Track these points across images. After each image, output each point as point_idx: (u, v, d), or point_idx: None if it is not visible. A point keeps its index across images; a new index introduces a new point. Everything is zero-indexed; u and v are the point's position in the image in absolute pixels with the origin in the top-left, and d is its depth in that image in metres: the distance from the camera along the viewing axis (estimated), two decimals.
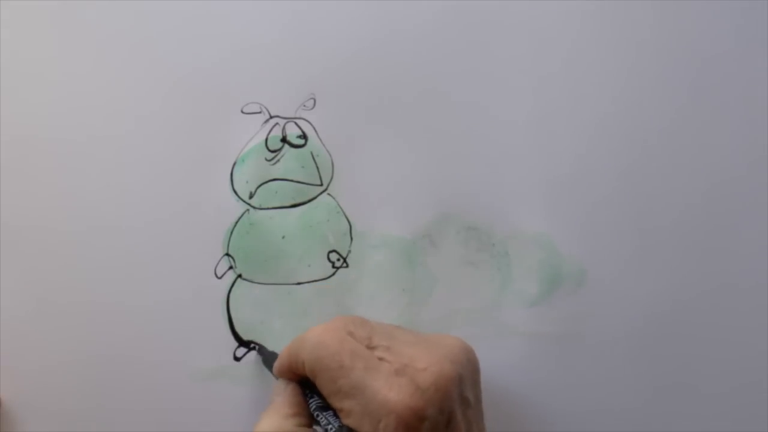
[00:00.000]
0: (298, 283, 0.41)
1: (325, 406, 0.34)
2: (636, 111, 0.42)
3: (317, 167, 0.41)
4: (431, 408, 0.31)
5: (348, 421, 0.32)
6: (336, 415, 0.33)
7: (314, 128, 0.41)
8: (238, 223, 0.41)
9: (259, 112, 0.41)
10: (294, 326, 0.41)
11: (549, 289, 0.41)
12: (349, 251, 0.41)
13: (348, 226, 0.41)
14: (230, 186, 0.41)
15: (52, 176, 0.41)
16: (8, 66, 0.41)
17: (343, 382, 0.32)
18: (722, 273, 0.42)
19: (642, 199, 0.42)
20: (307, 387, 0.35)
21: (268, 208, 0.41)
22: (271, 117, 0.41)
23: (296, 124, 0.41)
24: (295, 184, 0.41)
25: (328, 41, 0.41)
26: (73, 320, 0.40)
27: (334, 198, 0.41)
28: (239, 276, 0.41)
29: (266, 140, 0.41)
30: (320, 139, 0.41)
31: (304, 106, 0.41)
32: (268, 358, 0.39)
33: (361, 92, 0.41)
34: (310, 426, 0.34)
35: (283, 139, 0.41)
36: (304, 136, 0.41)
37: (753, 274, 0.41)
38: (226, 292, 0.41)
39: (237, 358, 0.40)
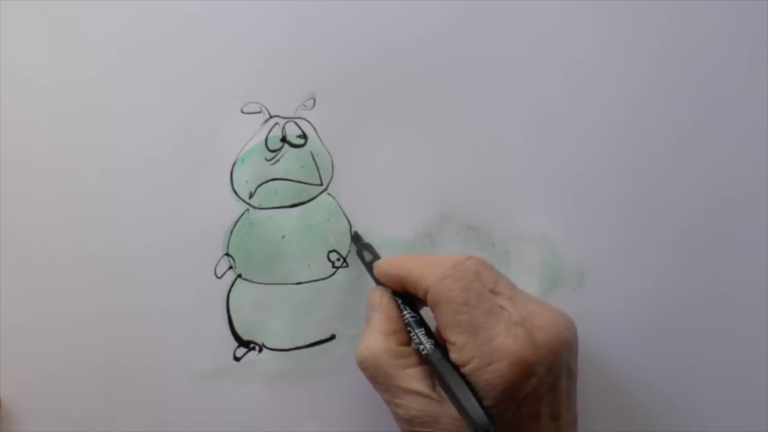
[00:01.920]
0: (298, 283, 0.41)
1: (419, 321, 0.35)
2: (636, 111, 0.42)
3: (317, 167, 0.41)
4: (541, 366, 0.32)
5: (456, 356, 0.33)
6: (428, 333, 0.34)
7: (314, 128, 0.41)
8: (238, 222, 0.41)
9: (259, 112, 0.41)
10: (294, 326, 0.41)
11: (549, 289, 0.41)
12: (349, 251, 0.41)
13: (348, 226, 0.41)
14: (230, 186, 0.41)
15: (52, 177, 0.41)
16: (7, 67, 0.41)
17: (463, 318, 0.33)
18: (722, 273, 0.42)
19: (642, 199, 0.42)
20: (401, 297, 0.36)
21: (268, 208, 0.41)
22: (271, 117, 0.41)
23: (296, 123, 0.41)
24: (295, 183, 0.41)
25: (328, 41, 0.41)
26: (73, 320, 0.40)
27: (334, 198, 0.41)
28: (239, 276, 0.41)
29: (266, 140, 0.41)
30: (320, 139, 0.41)
31: (304, 105, 0.41)
32: (363, 249, 0.40)
33: (361, 92, 0.41)
34: (408, 343, 0.35)
35: (283, 139, 0.41)
36: (304, 136, 0.41)
37: (753, 274, 0.41)
38: (226, 292, 0.41)
39: (237, 358, 0.40)
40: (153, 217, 0.41)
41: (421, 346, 0.34)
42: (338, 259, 0.41)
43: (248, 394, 0.40)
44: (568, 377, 0.34)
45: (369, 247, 0.40)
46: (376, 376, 0.35)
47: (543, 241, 0.42)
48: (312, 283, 0.41)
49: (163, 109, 0.41)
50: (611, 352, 0.41)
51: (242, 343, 0.41)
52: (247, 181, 0.41)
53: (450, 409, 0.33)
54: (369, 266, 0.39)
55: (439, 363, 0.33)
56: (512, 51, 0.42)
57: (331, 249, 0.41)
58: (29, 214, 0.41)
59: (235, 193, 0.41)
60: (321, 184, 0.41)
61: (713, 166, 0.42)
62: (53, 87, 0.41)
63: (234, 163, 0.41)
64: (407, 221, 0.41)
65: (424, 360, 0.34)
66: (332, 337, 0.41)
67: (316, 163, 0.41)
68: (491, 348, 0.32)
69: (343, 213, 0.41)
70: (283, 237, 0.41)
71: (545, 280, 0.41)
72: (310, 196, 0.41)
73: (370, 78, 0.41)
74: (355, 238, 0.41)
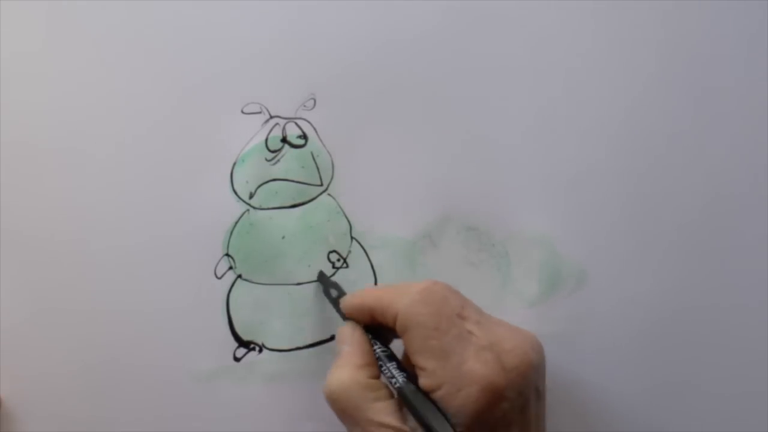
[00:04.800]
0: (298, 284, 0.41)
1: (390, 356, 0.35)
2: (636, 112, 0.42)
3: (317, 167, 0.41)
4: (511, 390, 0.32)
5: (426, 381, 0.33)
6: (400, 367, 0.34)
7: (314, 128, 0.41)
8: (238, 223, 0.41)
9: (259, 112, 0.41)
10: (294, 326, 0.41)
11: (549, 290, 0.41)
12: (349, 251, 0.41)
13: (348, 227, 0.41)
14: (230, 186, 0.41)
15: (52, 178, 0.40)
16: (7, 67, 0.41)
17: (434, 343, 0.33)
18: (722, 273, 0.42)
19: (642, 199, 0.42)
20: (371, 332, 0.36)
21: (268, 209, 0.41)
22: (272, 117, 0.41)
23: (296, 124, 0.41)
24: (296, 184, 0.41)
25: (328, 41, 0.41)
26: (73, 320, 0.40)
27: (334, 198, 0.41)
28: (239, 276, 0.41)
29: (266, 140, 0.41)
30: (320, 139, 0.41)
31: (305, 106, 0.41)
32: (330, 288, 0.39)
33: (361, 92, 0.41)
34: (378, 376, 0.35)
35: (284, 139, 0.41)
36: (304, 136, 0.41)
37: (753, 275, 0.42)
38: (226, 293, 0.41)
39: (237, 359, 0.41)
40: (153, 217, 0.41)
41: (393, 380, 0.34)
42: (338, 260, 0.41)
43: (248, 394, 0.40)
44: (537, 398, 0.34)
45: (336, 285, 0.40)
46: (345, 408, 0.34)
47: (543, 241, 0.42)
48: (312, 283, 0.41)
49: (163, 109, 0.41)
50: (611, 353, 0.41)
51: (242, 343, 0.41)
52: (247, 182, 0.41)
53: None
54: (335, 303, 0.39)
55: (412, 395, 0.33)
56: (512, 51, 0.42)
57: (331, 249, 0.41)
58: (29, 213, 0.41)
59: (236, 193, 0.41)
60: (321, 185, 0.41)
61: (713, 166, 0.42)
62: (53, 87, 0.41)
63: (234, 164, 0.41)
64: (407, 221, 0.41)
65: (395, 393, 0.34)
66: (332, 338, 0.41)
67: (316, 163, 0.41)
68: (461, 373, 0.32)
69: (344, 213, 0.41)
70: (283, 237, 0.41)
71: (545, 281, 0.41)
72: (311, 197, 0.41)
73: (370, 78, 0.41)
74: (321, 277, 0.41)
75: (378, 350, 0.35)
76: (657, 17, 0.42)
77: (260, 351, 0.41)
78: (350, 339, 0.36)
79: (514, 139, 0.42)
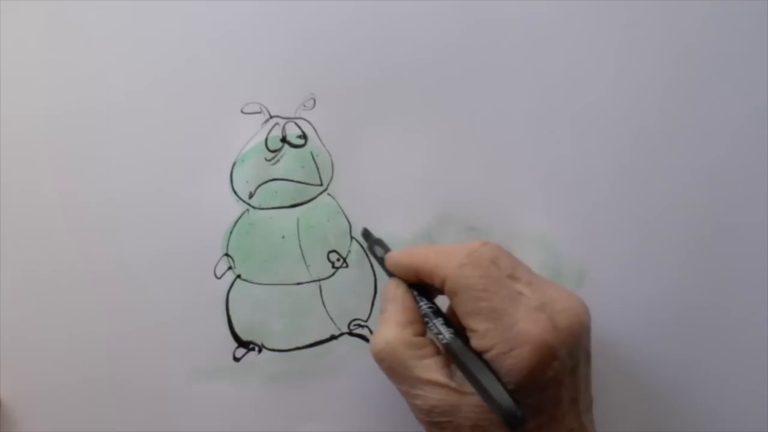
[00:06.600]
0: (298, 283, 0.41)
1: (437, 311, 0.35)
2: (636, 111, 0.42)
3: (317, 167, 0.41)
4: (563, 350, 0.32)
5: (478, 342, 0.32)
6: (447, 323, 0.34)
7: (314, 128, 0.41)
8: (238, 223, 0.41)
9: (259, 112, 0.41)
10: (293, 326, 0.41)
11: None
12: (349, 251, 0.41)
13: (348, 226, 0.41)
14: (230, 186, 0.41)
15: (52, 177, 0.41)
16: (7, 68, 0.41)
17: (484, 305, 0.32)
18: (722, 273, 0.41)
19: (642, 199, 0.42)
20: (416, 288, 0.36)
21: (267, 208, 0.41)
22: (271, 117, 0.41)
23: (296, 124, 0.41)
24: (295, 184, 0.41)
25: (328, 41, 0.41)
26: (72, 320, 0.40)
27: (334, 198, 0.41)
28: (238, 276, 0.41)
29: (266, 140, 0.41)
30: (320, 139, 0.41)
31: (304, 106, 0.41)
32: (374, 244, 0.39)
33: (361, 92, 0.41)
34: (424, 333, 0.35)
35: (283, 139, 0.41)
36: (304, 136, 0.41)
37: (753, 274, 0.41)
38: (226, 293, 0.41)
39: (236, 359, 0.40)
40: (153, 216, 0.41)
41: (440, 336, 0.34)
42: (338, 260, 0.41)
43: (248, 394, 0.40)
44: (586, 361, 0.34)
45: (380, 242, 0.40)
46: (392, 367, 0.34)
47: (543, 241, 0.41)
48: (312, 283, 0.41)
49: (163, 109, 0.41)
50: (610, 353, 0.41)
51: (242, 343, 0.41)
52: (247, 182, 0.41)
53: (470, 398, 0.32)
54: (381, 261, 0.38)
55: (460, 351, 0.33)
56: (512, 51, 0.42)
57: (331, 249, 0.41)
58: (30, 214, 0.41)
59: (235, 193, 0.41)
60: (321, 185, 0.41)
61: (714, 165, 0.42)
62: (53, 87, 0.41)
63: (234, 164, 0.41)
64: (407, 221, 0.41)
65: (442, 350, 0.34)
66: (332, 337, 0.41)
67: (316, 163, 0.41)
68: (514, 333, 0.32)
69: (343, 213, 0.41)
70: (283, 237, 0.41)
71: None
72: (310, 197, 0.41)
73: (370, 78, 0.41)
74: (365, 234, 0.40)
75: (424, 306, 0.35)
76: (657, 17, 0.42)
77: (260, 351, 0.41)
78: (394, 296, 0.36)
79: (514, 139, 0.42)
